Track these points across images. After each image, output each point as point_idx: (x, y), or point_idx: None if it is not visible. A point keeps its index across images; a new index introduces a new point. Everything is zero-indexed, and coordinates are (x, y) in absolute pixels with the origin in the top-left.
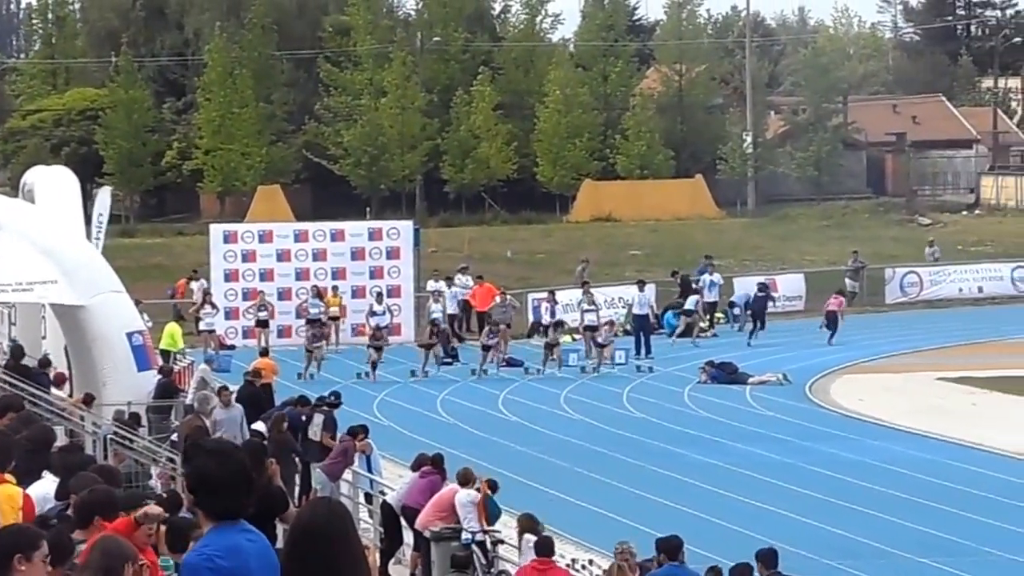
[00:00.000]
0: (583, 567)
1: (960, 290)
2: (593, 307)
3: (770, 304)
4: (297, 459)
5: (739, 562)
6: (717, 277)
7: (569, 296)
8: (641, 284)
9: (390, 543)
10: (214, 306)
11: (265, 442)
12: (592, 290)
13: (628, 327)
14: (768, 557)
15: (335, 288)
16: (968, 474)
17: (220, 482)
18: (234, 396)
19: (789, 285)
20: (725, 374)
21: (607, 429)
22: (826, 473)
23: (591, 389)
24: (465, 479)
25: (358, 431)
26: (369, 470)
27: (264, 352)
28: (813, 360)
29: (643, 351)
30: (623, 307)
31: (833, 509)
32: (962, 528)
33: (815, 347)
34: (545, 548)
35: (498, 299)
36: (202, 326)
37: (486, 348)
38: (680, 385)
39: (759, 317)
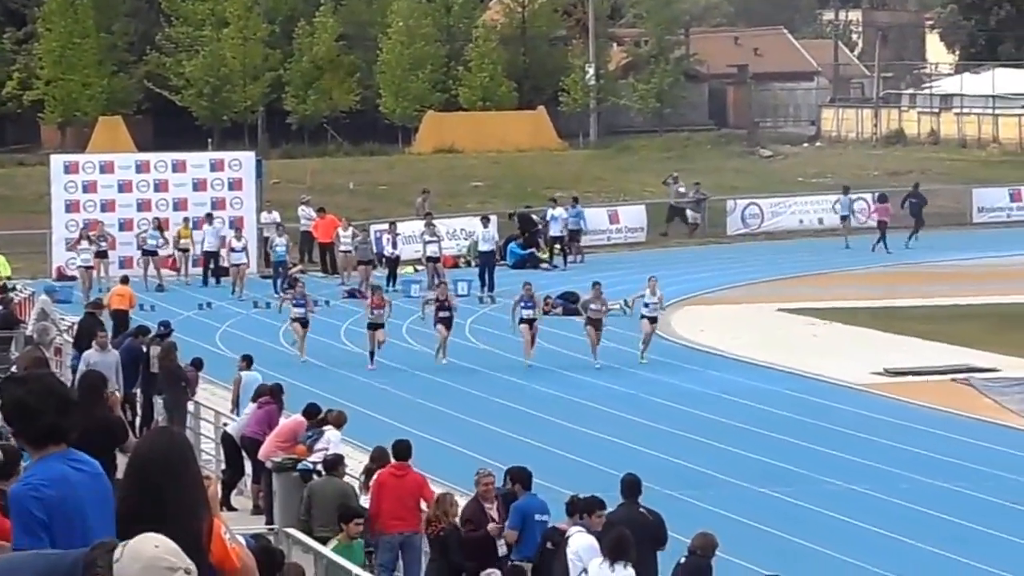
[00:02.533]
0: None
1: (801, 221)
2: (435, 239)
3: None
4: (139, 391)
5: (587, 496)
6: (560, 212)
7: (411, 228)
8: (485, 220)
9: (232, 474)
10: (91, 240)
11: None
12: (434, 221)
13: (471, 260)
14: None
15: (186, 220)
16: (808, 404)
17: (32, 407)
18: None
19: (631, 216)
20: (569, 303)
21: (450, 360)
22: (667, 404)
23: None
24: (338, 422)
25: (199, 363)
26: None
27: (124, 280)
28: None
29: (487, 287)
30: (465, 239)
31: (674, 439)
32: (802, 458)
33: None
34: (402, 452)
35: (342, 231)
36: (79, 261)
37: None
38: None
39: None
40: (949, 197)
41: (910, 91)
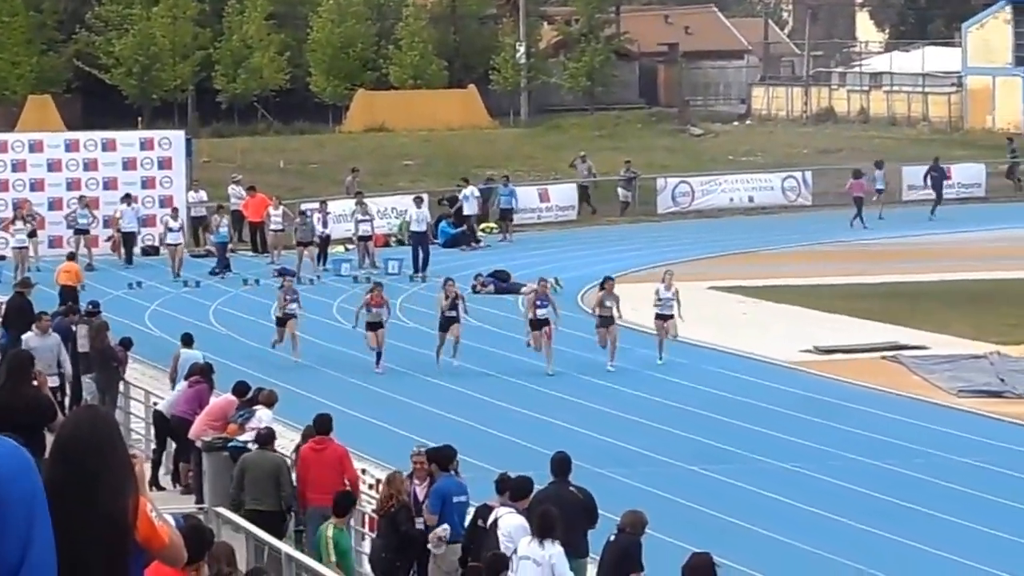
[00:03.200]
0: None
1: (731, 200)
2: (368, 217)
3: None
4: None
5: (518, 475)
6: (471, 191)
7: (342, 206)
8: (419, 200)
9: (160, 452)
10: (25, 220)
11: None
12: (366, 200)
13: (402, 238)
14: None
15: (128, 196)
16: (738, 382)
17: None
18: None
19: (562, 195)
20: (500, 281)
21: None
22: (598, 382)
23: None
24: (269, 401)
25: (128, 342)
26: None
27: (71, 256)
28: (585, 269)
29: (420, 267)
30: (396, 217)
31: (605, 418)
32: (733, 436)
33: (587, 256)
34: (323, 426)
35: (272, 210)
36: (13, 242)
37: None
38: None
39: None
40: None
41: (840, 69)
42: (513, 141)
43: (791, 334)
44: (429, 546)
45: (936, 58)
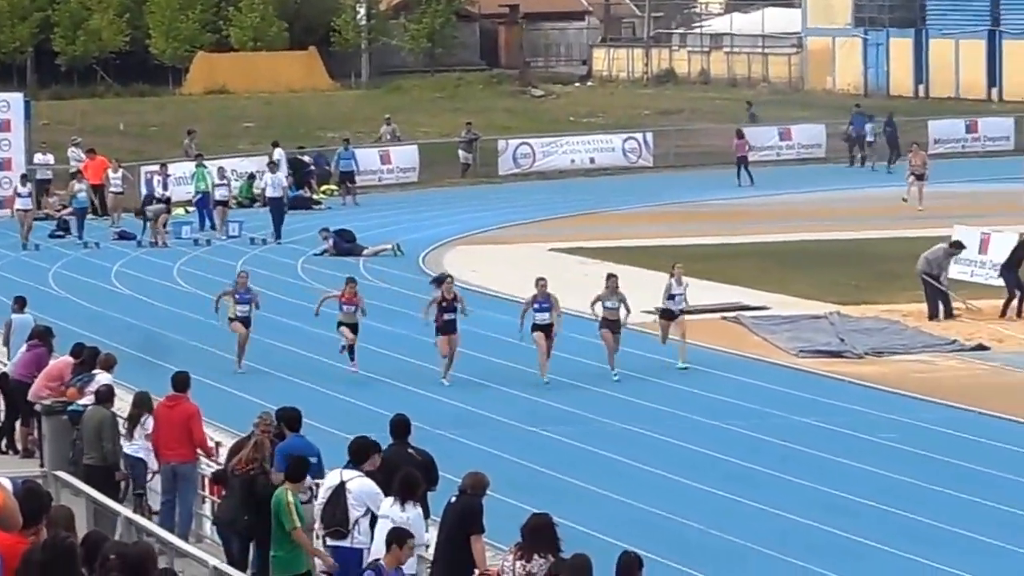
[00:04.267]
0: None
1: (572, 161)
2: (224, 182)
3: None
4: None
5: (359, 435)
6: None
7: (182, 169)
8: (273, 166)
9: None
10: None
11: None
12: (206, 162)
13: (243, 201)
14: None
15: None
16: (580, 344)
17: None
18: None
19: (403, 157)
20: (344, 241)
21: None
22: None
23: (205, 262)
24: (107, 364)
25: None
26: None
27: None
28: (426, 231)
29: (276, 233)
30: (236, 179)
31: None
32: (575, 398)
33: (428, 219)
34: (178, 384)
35: (112, 172)
36: None
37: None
38: (294, 257)
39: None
40: (719, 136)
41: (680, 31)
42: (354, 103)
43: (632, 295)
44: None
45: (776, 19)
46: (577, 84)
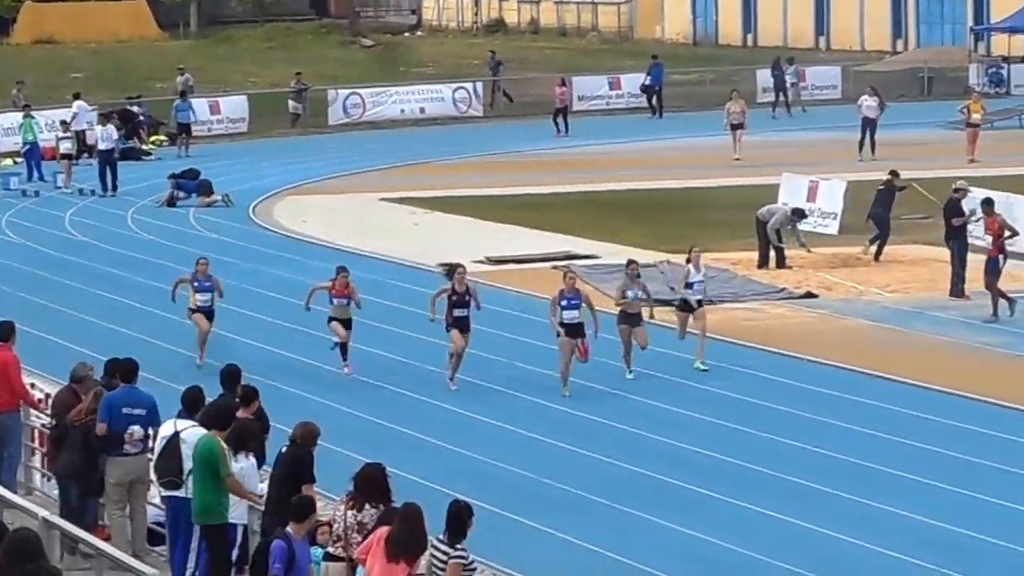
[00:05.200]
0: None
1: (402, 111)
2: (68, 135)
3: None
4: None
5: (191, 385)
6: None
7: (10, 119)
8: (104, 118)
9: None
10: None
11: None
12: (33, 113)
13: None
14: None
15: None
16: (410, 293)
17: None
18: None
19: (233, 107)
20: (190, 180)
21: (50, 253)
22: (269, 295)
23: (33, 213)
24: None
25: None
26: None
27: None
28: (256, 182)
29: (110, 186)
30: (64, 132)
31: (276, 330)
32: (404, 346)
33: (258, 169)
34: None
35: None
36: None
37: None
38: (123, 208)
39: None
40: (548, 85)
41: None
42: (183, 53)
43: (463, 245)
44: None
45: None
46: (407, 33)
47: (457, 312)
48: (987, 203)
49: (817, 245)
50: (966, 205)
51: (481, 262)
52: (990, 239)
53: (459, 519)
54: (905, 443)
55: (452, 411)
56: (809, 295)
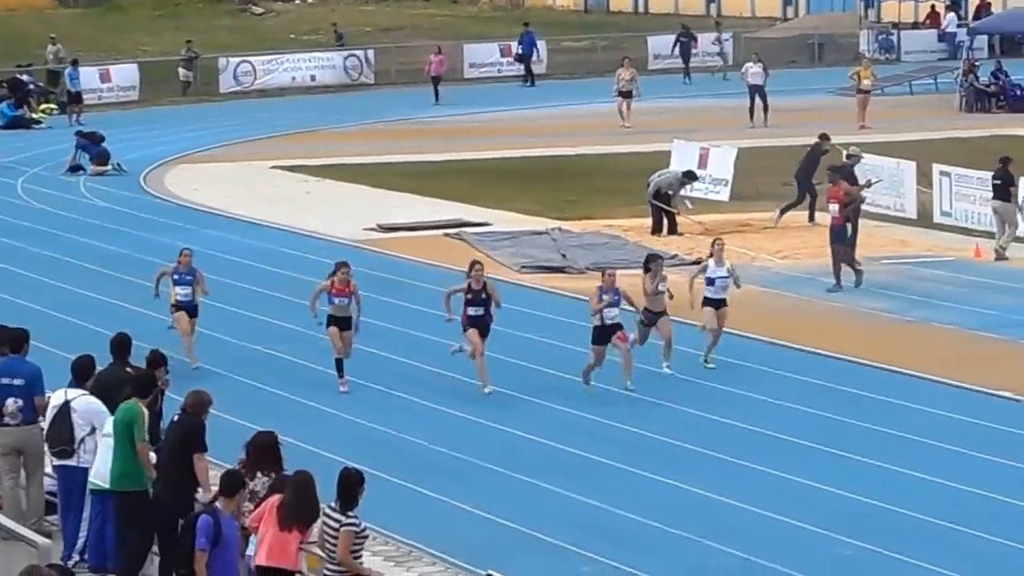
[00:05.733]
0: None
1: (293, 79)
2: None
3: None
4: None
5: (82, 354)
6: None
7: None
8: None
9: None
10: None
11: None
12: None
13: None
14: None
15: None
16: (302, 261)
17: None
18: None
19: (123, 75)
20: (93, 144)
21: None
22: (160, 263)
23: None
24: None
25: None
26: None
27: None
28: (148, 150)
29: None
30: None
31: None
32: (294, 315)
33: (150, 137)
34: None
35: None
36: None
37: None
38: (13, 177)
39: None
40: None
41: None
42: (73, 21)
43: (354, 212)
44: None
45: None
46: (298, 1)
47: (472, 311)
48: (832, 170)
49: (708, 212)
50: (859, 172)
51: (373, 230)
52: (836, 207)
53: (350, 487)
54: (798, 409)
55: (361, 384)
56: (699, 262)
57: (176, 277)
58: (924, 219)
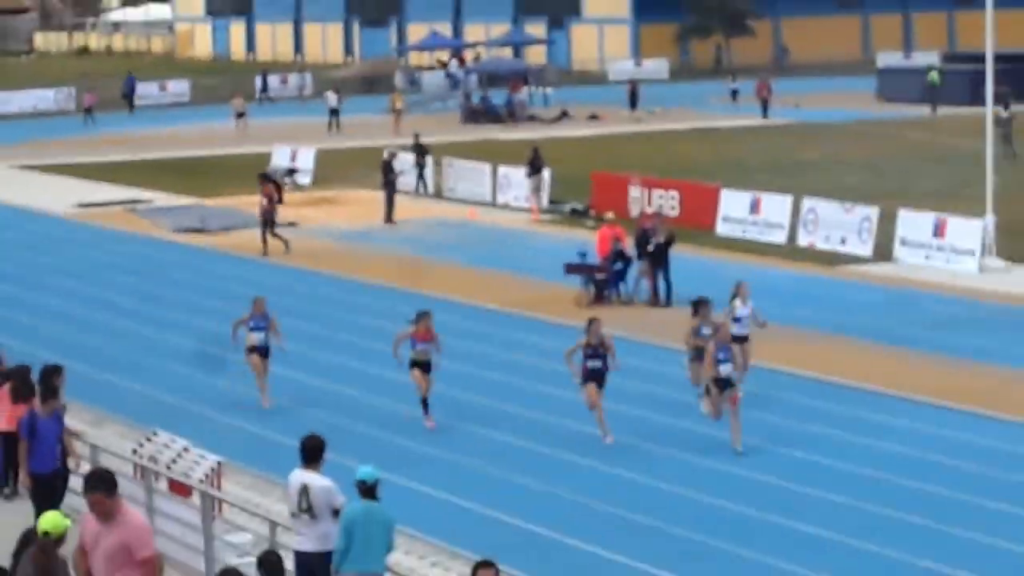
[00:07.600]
0: None
1: (19, 108)
2: None
3: None
4: None
5: None
6: None
7: None
8: None
9: None
10: None
11: None
12: None
13: None
14: None
15: None
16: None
17: None
18: None
19: None
20: None
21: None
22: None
23: None
24: None
25: None
26: None
27: None
28: None
29: None
30: None
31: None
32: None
33: None
34: None
35: None
36: None
37: None
38: None
39: None
40: (114, 89)
41: (92, 19)
42: None
43: (63, 195)
44: None
45: (155, 11)
46: (22, 57)
47: (590, 364)
48: (263, 176)
49: (299, 191)
50: (396, 163)
51: (81, 207)
52: (265, 201)
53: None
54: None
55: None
56: (292, 224)
57: (252, 324)
58: (438, 194)
